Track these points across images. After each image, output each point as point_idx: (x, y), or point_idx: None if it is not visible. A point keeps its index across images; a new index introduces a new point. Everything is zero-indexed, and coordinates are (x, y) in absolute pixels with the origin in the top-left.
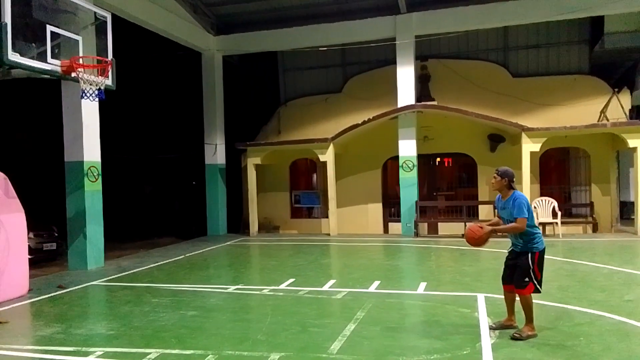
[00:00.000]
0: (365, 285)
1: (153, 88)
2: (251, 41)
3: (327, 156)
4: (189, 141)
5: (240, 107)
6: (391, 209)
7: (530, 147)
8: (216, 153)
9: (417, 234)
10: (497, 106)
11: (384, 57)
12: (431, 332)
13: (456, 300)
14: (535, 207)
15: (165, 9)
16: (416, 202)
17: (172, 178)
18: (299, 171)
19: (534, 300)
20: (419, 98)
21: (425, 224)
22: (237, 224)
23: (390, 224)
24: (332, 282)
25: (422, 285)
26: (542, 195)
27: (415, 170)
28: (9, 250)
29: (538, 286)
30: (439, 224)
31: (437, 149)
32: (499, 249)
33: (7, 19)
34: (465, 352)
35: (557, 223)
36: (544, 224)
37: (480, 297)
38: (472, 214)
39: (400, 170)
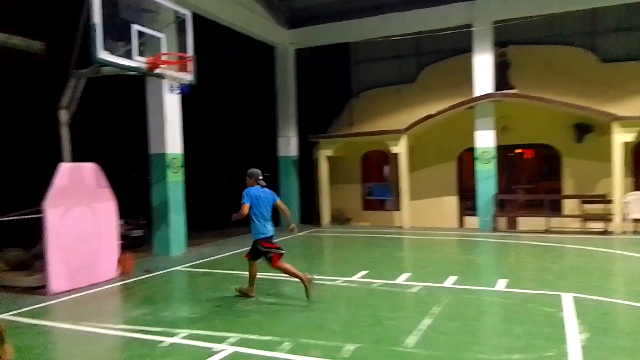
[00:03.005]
0: (440, 280)
1: (229, 83)
2: (324, 33)
3: (400, 148)
4: (264, 134)
5: (312, 100)
6: (467, 202)
7: (622, 137)
8: (289, 145)
9: (495, 229)
10: (584, 94)
11: (459, 45)
12: (512, 331)
13: (539, 299)
14: (628, 202)
15: (242, 5)
16: (494, 195)
17: (247, 170)
18: (370, 163)
19: None
20: (497, 86)
21: (504, 219)
22: (310, 215)
23: (465, 217)
24: (406, 275)
25: (502, 282)
26: (637, 189)
27: (493, 162)
28: (101, 236)
29: (279, 251)
30: (518, 218)
31: (517, 139)
32: (585, 245)
33: (98, 19)
34: (550, 354)
35: None
36: (638, 220)
37: (566, 297)
38: (555, 208)
39: (477, 162)
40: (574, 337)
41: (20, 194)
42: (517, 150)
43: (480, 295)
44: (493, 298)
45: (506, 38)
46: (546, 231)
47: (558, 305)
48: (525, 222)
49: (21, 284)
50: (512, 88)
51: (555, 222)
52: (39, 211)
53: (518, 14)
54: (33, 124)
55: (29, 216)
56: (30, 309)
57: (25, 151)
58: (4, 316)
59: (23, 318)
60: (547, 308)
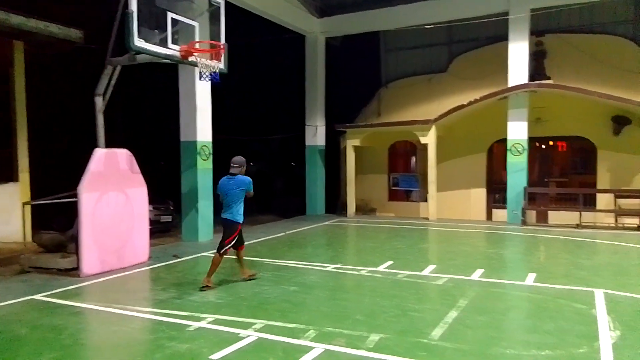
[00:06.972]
0: (468, 272)
1: (258, 71)
2: (354, 22)
3: (429, 138)
4: (292, 123)
5: (340, 89)
6: (496, 195)
7: None
8: (316, 135)
9: (524, 222)
10: (624, 85)
11: (494, 34)
12: (542, 327)
13: (570, 295)
14: None
15: None
16: (525, 188)
17: (275, 158)
18: (397, 154)
19: None
20: (532, 76)
21: (534, 212)
22: (335, 204)
23: (494, 210)
24: (431, 267)
25: (531, 276)
26: None
27: (525, 154)
28: (133, 221)
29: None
30: (549, 212)
31: (551, 131)
32: (619, 241)
33: (134, 7)
34: (581, 351)
35: None
36: None
37: (599, 293)
38: (589, 203)
39: (508, 154)
40: (606, 334)
41: (57, 177)
42: (550, 143)
43: (508, 290)
44: (522, 293)
45: (543, 26)
46: (578, 226)
47: (590, 302)
48: (556, 216)
49: (55, 265)
50: (548, 78)
51: (588, 216)
52: (75, 195)
53: (556, 1)
54: (70, 110)
55: (65, 200)
56: (63, 290)
57: (63, 136)
58: (38, 297)
59: (56, 299)
60: (579, 305)
